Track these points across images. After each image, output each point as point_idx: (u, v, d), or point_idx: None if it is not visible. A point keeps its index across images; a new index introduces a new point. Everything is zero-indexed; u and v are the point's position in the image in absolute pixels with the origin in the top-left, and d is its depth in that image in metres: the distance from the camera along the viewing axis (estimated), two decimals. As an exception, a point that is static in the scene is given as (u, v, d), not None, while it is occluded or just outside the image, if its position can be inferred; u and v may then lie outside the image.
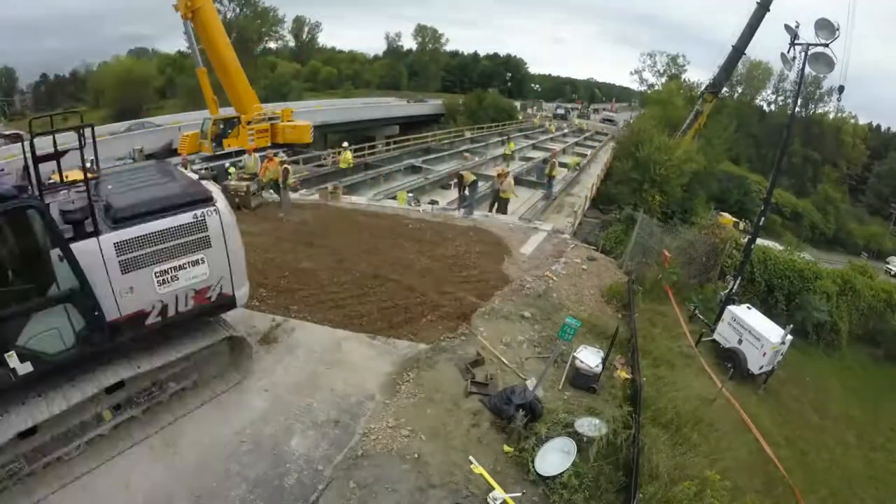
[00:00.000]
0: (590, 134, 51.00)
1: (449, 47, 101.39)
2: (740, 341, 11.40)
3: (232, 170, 16.10)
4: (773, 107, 69.57)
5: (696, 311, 13.28)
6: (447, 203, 17.14)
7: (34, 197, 4.53)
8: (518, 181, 24.78)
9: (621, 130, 43.42)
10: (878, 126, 78.65)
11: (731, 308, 11.89)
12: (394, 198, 16.60)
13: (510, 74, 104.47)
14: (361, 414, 6.23)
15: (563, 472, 5.53)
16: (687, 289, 14.11)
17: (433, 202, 16.70)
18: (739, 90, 68.84)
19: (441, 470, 5.57)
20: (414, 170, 25.52)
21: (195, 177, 6.56)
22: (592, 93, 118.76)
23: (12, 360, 4.38)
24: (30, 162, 4.57)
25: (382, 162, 26.14)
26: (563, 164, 27.78)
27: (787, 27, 11.08)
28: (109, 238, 4.77)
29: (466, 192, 15.65)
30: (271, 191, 14.82)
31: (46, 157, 4.68)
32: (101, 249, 4.71)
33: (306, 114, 34.38)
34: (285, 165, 14.70)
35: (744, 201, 45.57)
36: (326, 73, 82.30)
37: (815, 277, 16.43)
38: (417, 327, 8.23)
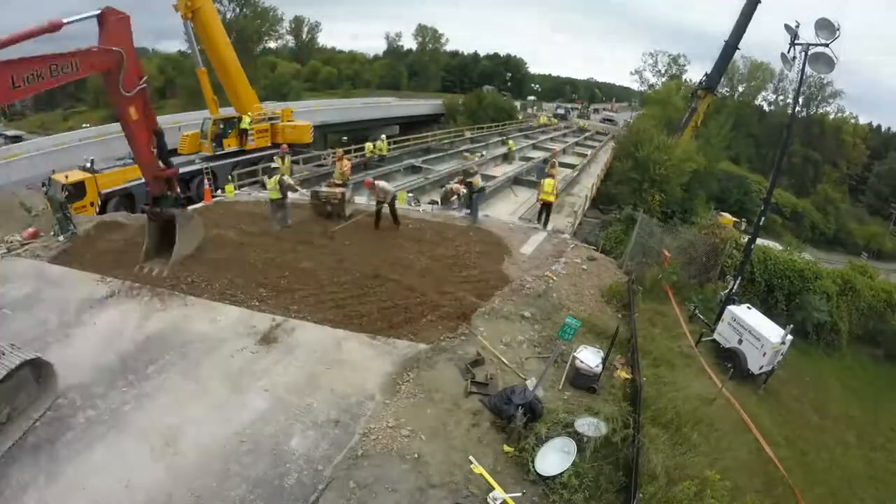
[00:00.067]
0: (590, 134, 50.97)
1: (449, 47, 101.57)
2: (740, 341, 11.39)
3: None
4: (773, 107, 69.58)
5: (696, 311, 13.28)
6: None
7: None
8: (518, 181, 24.81)
9: (621, 130, 43.42)
10: (879, 126, 78.76)
11: (731, 308, 11.89)
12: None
13: (510, 74, 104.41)
14: (361, 414, 6.23)
15: (563, 472, 5.54)
16: (687, 289, 14.11)
17: (433, 202, 16.67)
18: (740, 90, 68.92)
19: (441, 470, 5.57)
20: (414, 170, 25.48)
21: None
22: (592, 93, 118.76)
23: None
24: None
25: (382, 162, 26.11)
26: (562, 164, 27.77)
27: (787, 27, 11.08)
28: None
29: (474, 196, 15.40)
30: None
31: None
32: None
33: (306, 114, 34.37)
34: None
35: (744, 201, 45.56)
36: (326, 73, 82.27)
37: (815, 277, 16.42)
38: (417, 327, 8.23)
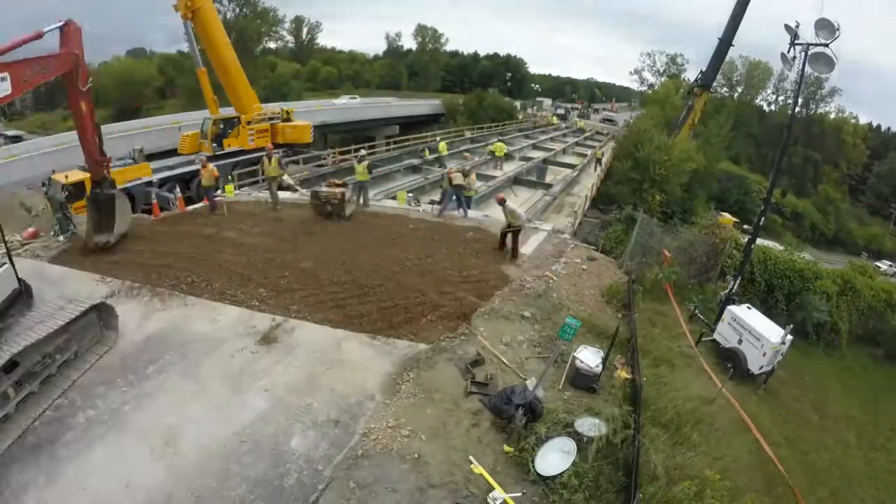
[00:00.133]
0: (590, 134, 50.98)
1: (449, 47, 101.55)
2: (740, 341, 11.38)
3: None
4: (773, 107, 69.63)
5: (696, 311, 13.27)
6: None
7: None
8: (518, 181, 24.83)
9: (621, 130, 43.43)
10: (879, 126, 78.77)
11: (731, 308, 11.87)
12: (394, 198, 16.60)
13: (510, 74, 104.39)
14: (361, 414, 6.23)
15: (563, 472, 5.54)
16: (687, 289, 14.11)
17: (433, 202, 16.68)
18: (739, 90, 68.95)
19: (441, 470, 5.57)
20: (414, 170, 25.50)
21: None
22: (592, 93, 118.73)
23: None
24: None
25: (382, 162, 26.12)
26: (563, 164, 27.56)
27: (787, 27, 11.07)
28: None
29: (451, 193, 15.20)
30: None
31: None
32: None
33: (306, 114, 34.36)
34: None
35: (744, 201, 45.57)
36: (326, 73, 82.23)
37: (815, 277, 16.41)
38: (417, 327, 8.23)
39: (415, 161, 26.81)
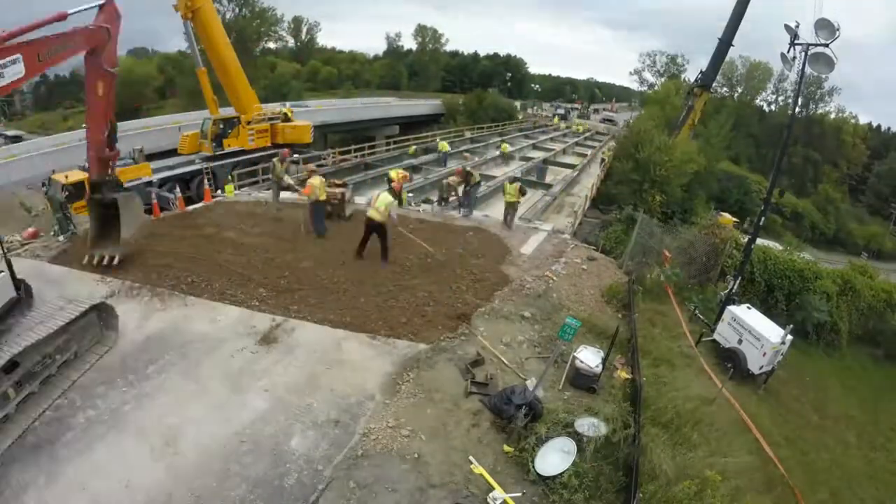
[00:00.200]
0: (590, 134, 50.97)
1: (449, 47, 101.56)
2: (740, 341, 11.39)
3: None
4: (773, 107, 69.64)
5: (696, 311, 13.28)
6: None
7: None
8: (518, 181, 24.77)
9: (621, 131, 43.42)
10: (879, 126, 78.78)
11: (731, 308, 11.88)
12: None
13: (510, 74, 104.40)
14: (361, 414, 6.23)
15: (563, 472, 5.54)
16: (687, 289, 14.11)
17: (427, 200, 16.67)
18: (739, 90, 68.96)
19: (441, 470, 5.57)
20: (414, 170, 25.49)
21: None
22: (592, 93, 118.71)
23: None
24: None
25: (382, 162, 26.11)
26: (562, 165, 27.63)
27: (787, 27, 11.08)
28: None
29: (458, 193, 15.50)
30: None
31: None
32: None
33: (306, 114, 34.36)
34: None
35: (744, 201, 45.54)
36: (326, 73, 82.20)
37: (815, 277, 16.41)
38: (417, 327, 8.23)
39: (414, 161, 26.79)
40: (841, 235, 54.03)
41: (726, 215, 33.36)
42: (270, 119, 23.64)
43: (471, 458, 5.77)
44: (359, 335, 7.83)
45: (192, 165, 19.63)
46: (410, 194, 17.70)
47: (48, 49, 7.72)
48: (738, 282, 12.88)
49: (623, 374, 7.93)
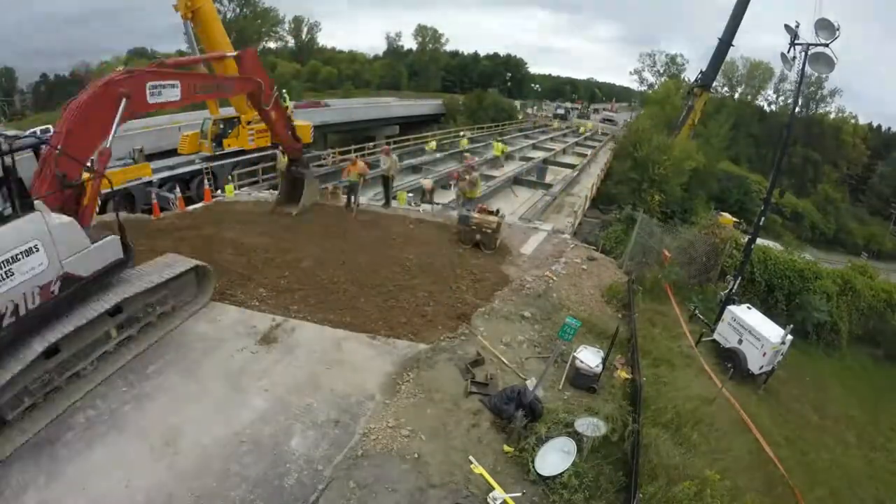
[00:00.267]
0: (589, 134, 50.99)
1: (449, 47, 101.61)
2: (740, 341, 11.39)
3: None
4: (773, 107, 69.67)
5: (696, 311, 13.28)
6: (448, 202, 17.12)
7: None
8: (518, 181, 24.82)
9: (621, 131, 43.47)
10: (879, 126, 78.76)
11: (731, 308, 11.88)
12: (394, 198, 16.58)
13: (510, 74, 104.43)
14: (361, 414, 6.23)
15: (563, 472, 5.53)
16: (687, 289, 14.11)
17: (428, 201, 16.66)
18: (740, 90, 69.01)
19: (441, 470, 5.57)
20: (414, 170, 25.49)
21: None
22: (592, 93, 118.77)
23: None
24: None
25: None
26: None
27: (787, 27, 11.08)
28: None
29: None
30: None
31: None
32: None
33: (306, 114, 34.39)
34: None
35: (744, 201, 45.55)
36: (326, 73, 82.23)
37: (815, 277, 16.41)
38: (417, 327, 8.23)
39: (414, 161, 26.80)
40: (841, 235, 54.05)
41: (726, 215, 33.43)
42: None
43: (471, 458, 5.77)
44: (359, 335, 7.83)
45: (192, 165, 19.62)
46: (410, 194, 17.71)
47: (203, 85, 9.16)
48: (738, 282, 12.87)
49: (623, 374, 7.92)
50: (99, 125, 6.83)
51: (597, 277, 11.73)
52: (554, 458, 5.73)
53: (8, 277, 5.08)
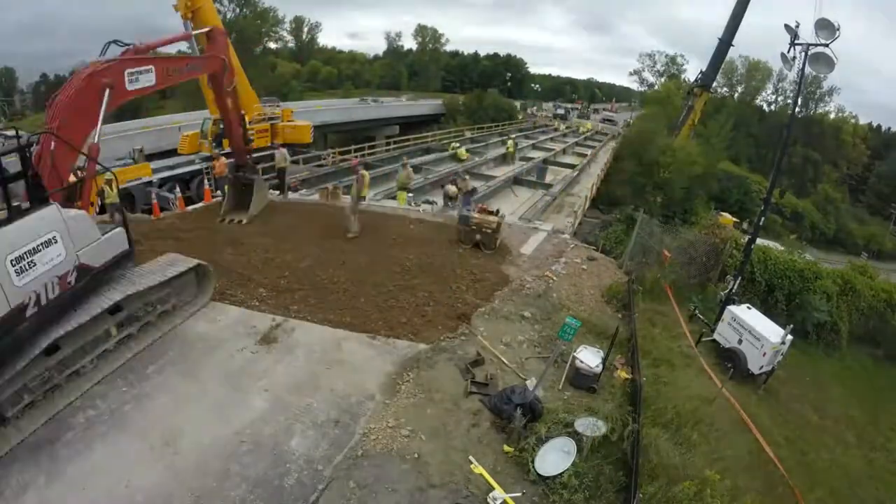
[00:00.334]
0: (589, 134, 50.99)
1: (449, 47, 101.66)
2: (740, 341, 11.38)
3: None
4: (773, 107, 69.67)
5: (696, 311, 13.27)
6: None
7: None
8: (518, 181, 24.82)
9: (622, 131, 43.49)
10: (879, 126, 78.78)
11: (731, 308, 11.87)
12: (394, 198, 16.59)
13: (510, 74, 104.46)
14: (361, 414, 6.23)
15: (563, 472, 5.53)
16: (687, 289, 14.11)
17: (427, 202, 16.68)
18: (739, 90, 69.03)
19: (441, 470, 5.57)
20: (414, 170, 25.49)
21: None
22: (592, 93, 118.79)
23: None
24: None
25: (382, 162, 26.12)
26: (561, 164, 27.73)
27: (787, 27, 11.07)
28: None
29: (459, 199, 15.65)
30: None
31: None
32: None
33: (306, 114, 34.40)
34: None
35: (744, 201, 45.57)
36: (326, 73, 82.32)
37: (816, 277, 16.38)
38: (417, 327, 8.23)
39: (413, 161, 26.80)
40: (841, 235, 54.10)
41: (726, 215, 33.45)
42: (270, 119, 23.65)
43: (471, 458, 5.77)
44: (359, 335, 7.83)
45: (192, 165, 19.64)
46: (410, 194, 17.70)
47: (175, 67, 9.21)
48: (738, 282, 12.87)
49: (623, 374, 7.92)
50: (87, 117, 7.06)
51: (597, 277, 11.72)
52: (554, 458, 5.73)
53: (31, 268, 5.23)
